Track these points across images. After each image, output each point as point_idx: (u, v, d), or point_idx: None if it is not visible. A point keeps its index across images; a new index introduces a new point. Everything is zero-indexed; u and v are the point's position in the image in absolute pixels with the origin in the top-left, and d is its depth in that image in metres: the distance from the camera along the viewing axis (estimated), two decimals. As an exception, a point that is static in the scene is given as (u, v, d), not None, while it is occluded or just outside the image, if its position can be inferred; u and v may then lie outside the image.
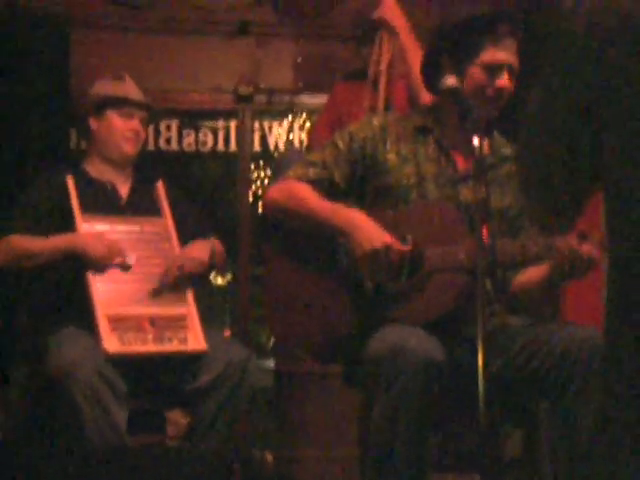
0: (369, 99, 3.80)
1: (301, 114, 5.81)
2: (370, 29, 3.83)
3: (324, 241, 2.69)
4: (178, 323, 3.19)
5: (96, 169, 3.46)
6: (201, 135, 5.78)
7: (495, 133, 2.82)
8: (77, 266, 3.17)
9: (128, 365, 3.05)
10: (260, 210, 5.79)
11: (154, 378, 3.17)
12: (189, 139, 5.75)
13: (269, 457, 4.66)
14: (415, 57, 3.38)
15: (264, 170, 6.46)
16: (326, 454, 4.27)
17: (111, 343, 3.03)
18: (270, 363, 5.64)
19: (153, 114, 3.61)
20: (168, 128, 5.67)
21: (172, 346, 3.14)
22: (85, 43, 5.14)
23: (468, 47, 2.65)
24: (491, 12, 2.72)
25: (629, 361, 1.36)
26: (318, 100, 5.05)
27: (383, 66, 3.78)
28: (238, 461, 3.34)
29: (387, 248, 2.54)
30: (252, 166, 5.99)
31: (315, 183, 2.73)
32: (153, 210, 3.44)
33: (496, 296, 2.69)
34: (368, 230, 2.57)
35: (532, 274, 2.64)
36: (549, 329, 2.53)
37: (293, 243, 2.77)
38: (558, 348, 2.43)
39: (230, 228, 5.64)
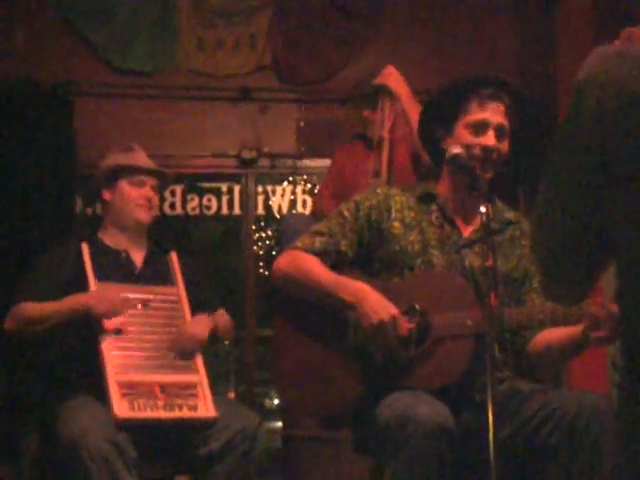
0: (373, 163, 3.86)
1: (304, 178, 5.87)
2: (372, 94, 3.92)
3: (332, 310, 2.73)
4: (188, 391, 3.20)
5: (111, 238, 3.51)
6: (205, 199, 5.83)
7: (496, 199, 2.87)
8: (88, 333, 3.20)
9: (138, 431, 3.06)
10: (262, 271, 5.84)
11: (164, 444, 3.17)
12: (193, 203, 5.81)
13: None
14: (416, 121, 3.47)
15: (266, 232, 6.51)
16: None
17: (121, 409, 3.04)
18: (276, 424, 5.63)
19: (166, 180, 3.66)
20: (172, 193, 5.73)
21: (182, 413, 3.14)
22: (89, 111, 5.23)
23: (455, 109, 2.73)
24: (476, 76, 2.81)
25: None
26: (320, 164, 5.14)
27: (386, 131, 3.85)
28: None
29: (394, 320, 2.57)
30: (254, 228, 6.04)
31: (322, 253, 2.77)
32: (166, 279, 3.48)
33: (504, 361, 2.72)
34: (374, 303, 2.60)
35: (551, 335, 2.65)
36: (559, 395, 2.54)
37: (302, 311, 2.79)
38: (569, 415, 2.43)
39: (234, 290, 5.68)
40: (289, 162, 5.54)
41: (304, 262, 2.76)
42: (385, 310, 2.58)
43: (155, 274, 3.48)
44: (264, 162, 5.52)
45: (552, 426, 2.47)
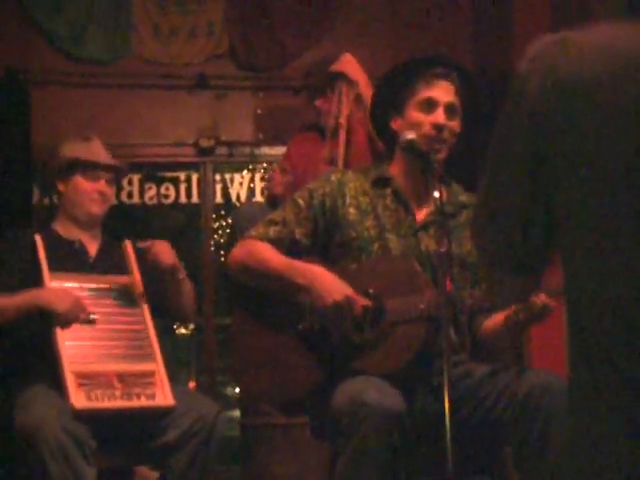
0: (328, 151, 3.87)
1: (263, 166, 5.86)
2: (327, 81, 3.92)
3: (288, 297, 2.73)
4: (146, 379, 3.19)
5: (64, 228, 3.49)
6: (163, 188, 5.81)
7: (452, 181, 2.89)
8: (43, 323, 3.18)
9: (96, 422, 3.04)
10: (222, 259, 5.83)
11: (122, 434, 3.16)
12: (151, 192, 5.78)
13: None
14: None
15: (226, 220, 6.50)
16: (295, 506, 4.27)
17: (78, 399, 3.03)
18: (236, 413, 5.64)
19: (121, 172, 3.64)
20: (130, 182, 5.70)
21: (140, 402, 3.14)
22: (46, 99, 5.18)
23: (405, 90, 2.76)
24: (423, 56, 2.88)
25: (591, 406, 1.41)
26: (278, 151, 5.12)
27: (343, 118, 3.86)
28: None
29: (348, 300, 2.58)
30: (214, 217, 6.03)
31: (276, 242, 2.77)
32: (121, 268, 3.46)
33: (460, 344, 2.73)
34: (328, 283, 2.62)
35: (499, 319, 2.68)
36: (511, 375, 2.57)
37: (258, 298, 2.80)
38: (520, 394, 2.47)
39: (194, 278, 5.66)
40: (247, 150, 5.52)
41: (258, 250, 2.77)
42: (339, 290, 2.59)
43: (110, 263, 3.47)
44: (222, 150, 5.50)
45: (504, 406, 2.50)
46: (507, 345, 2.80)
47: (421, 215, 2.79)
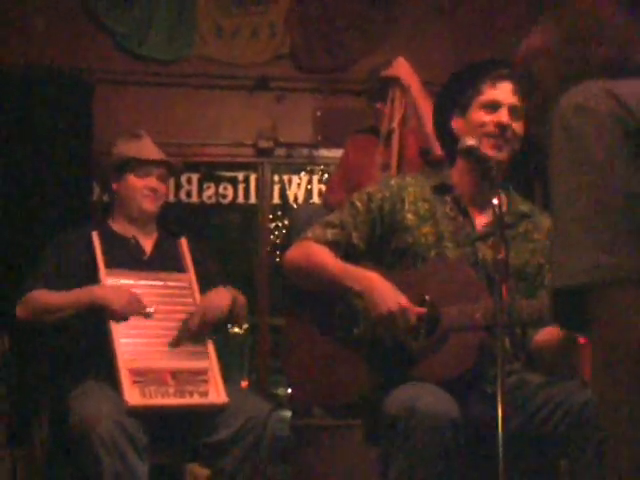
0: (382, 155, 3.85)
1: (320, 167, 5.86)
2: (382, 86, 3.91)
3: (343, 300, 2.73)
4: (199, 377, 3.21)
5: (120, 225, 3.54)
6: (221, 188, 5.84)
7: (512, 190, 2.86)
8: (99, 319, 3.22)
9: (149, 418, 3.07)
10: (277, 260, 5.85)
11: (175, 431, 3.18)
12: (209, 192, 5.81)
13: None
14: (427, 112, 3.47)
15: (282, 221, 6.52)
16: (344, 507, 4.27)
17: (132, 396, 3.05)
18: (287, 413, 5.64)
19: (174, 169, 3.67)
20: (189, 181, 5.74)
21: (193, 399, 3.16)
22: (109, 98, 5.24)
23: (469, 91, 2.76)
24: (489, 59, 2.87)
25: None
26: (336, 154, 5.11)
27: (396, 123, 3.84)
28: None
29: (403, 309, 2.57)
30: (271, 217, 6.04)
31: (333, 244, 2.77)
32: (177, 265, 3.49)
33: (515, 354, 2.71)
34: (384, 292, 2.60)
35: (550, 333, 2.66)
36: (567, 387, 2.54)
37: (313, 300, 2.80)
38: (576, 407, 2.43)
39: (249, 278, 5.69)
40: (305, 152, 5.54)
41: (315, 253, 2.76)
42: (394, 300, 2.58)
43: (165, 260, 3.50)
44: (280, 151, 5.52)
45: (559, 418, 2.47)
46: (559, 359, 2.76)
47: (480, 224, 2.77)
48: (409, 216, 2.77)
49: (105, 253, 3.36)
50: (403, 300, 2.59)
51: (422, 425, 2.37)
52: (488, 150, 2.68)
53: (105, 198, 5.17)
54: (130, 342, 3.20)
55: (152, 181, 3.51)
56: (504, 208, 2.59)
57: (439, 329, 2.59)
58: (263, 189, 5.67)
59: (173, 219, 3.78)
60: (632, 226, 1.32)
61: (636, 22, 1.47)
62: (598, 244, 1.33)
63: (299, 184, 5.92)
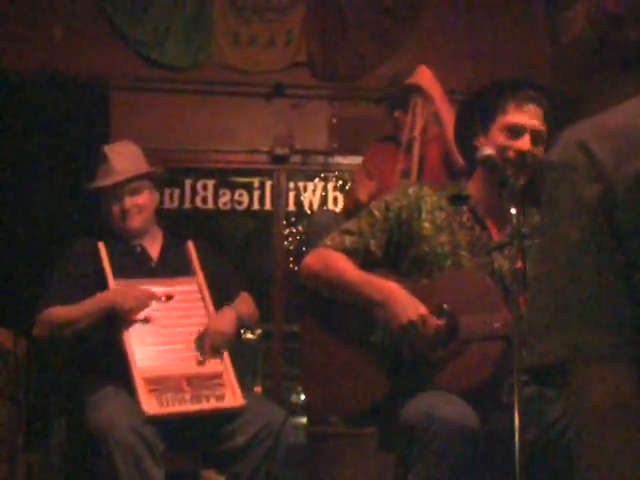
0: (402, 163, 3.85)
1: (335, 175, 5.87)
2: (404, 94, 3.90)
3: (360, 308, 2.73)
4: (215, 381, 3.22)
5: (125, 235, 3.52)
6: (237, 194, 5.85)
7: (528, 203, 2.86)
8: (114, 326, 3.23)
9: (166, 424, 3.08)
10: (291, 266, 5.85)
11: (191, 437, 3.19)
12: (225, 198, 5.83)
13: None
14: (449, 121, 3.45)
15: (297, 228, 6.52)
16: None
17: (150, 405, 3.06)
18: (301, 420, 5.65)
19: (152, 176, 3.56)
20: (204, 187, 5.75)
21: (209, 404, 3.17)
22: (125, 104, 5.26)
23: (493, 110, 2.74)
24: (515, 78, 2.83)
25: None
26: (352, 161, 5.14)
27: (417, 131, 3.83)
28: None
29: (423, 320, 2.57)
30: (285, 224, 6.05)
31: (351, 252, 2.77)
32: (185, 269, 3.48)
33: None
34: (403, 302, 2.60)
35: None
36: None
37: (330, 308, 2.80)
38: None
39: (263, 284, 5.69)
40: (321, 159, 5.55)
41: (333, 260, 2.76)
42: (414, 309, 2.58)
43: (172, 265, 3.49)
44: (296, 158, 5.53)
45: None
46: None
47: (497, 234, 2.78)
48: (426, 225, 2.77)
49: (112, 263, 3.36)
50: (422, 309, 2.59)
51: (440, 434, 2.37)
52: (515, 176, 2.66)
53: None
54: (143, 349, 3.20)
55: (127, 202, 3.44)
56: (522, 219, 2.59)
57: (457, 339, 2.59)
58: (278, 196, 5.68)
59: (183, 225, 3.75)
60: (600, 308, 1.35)
61: None
62: (566, 324, 1.37)
63: (314, 191, 5.93)
